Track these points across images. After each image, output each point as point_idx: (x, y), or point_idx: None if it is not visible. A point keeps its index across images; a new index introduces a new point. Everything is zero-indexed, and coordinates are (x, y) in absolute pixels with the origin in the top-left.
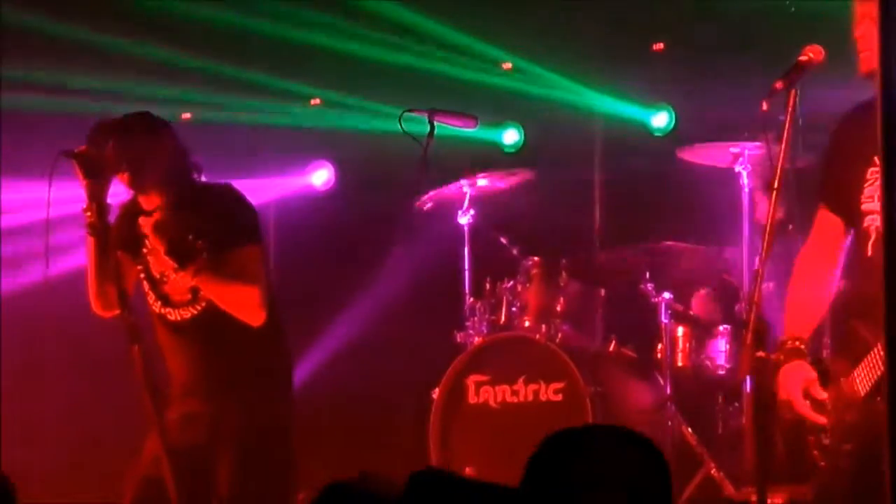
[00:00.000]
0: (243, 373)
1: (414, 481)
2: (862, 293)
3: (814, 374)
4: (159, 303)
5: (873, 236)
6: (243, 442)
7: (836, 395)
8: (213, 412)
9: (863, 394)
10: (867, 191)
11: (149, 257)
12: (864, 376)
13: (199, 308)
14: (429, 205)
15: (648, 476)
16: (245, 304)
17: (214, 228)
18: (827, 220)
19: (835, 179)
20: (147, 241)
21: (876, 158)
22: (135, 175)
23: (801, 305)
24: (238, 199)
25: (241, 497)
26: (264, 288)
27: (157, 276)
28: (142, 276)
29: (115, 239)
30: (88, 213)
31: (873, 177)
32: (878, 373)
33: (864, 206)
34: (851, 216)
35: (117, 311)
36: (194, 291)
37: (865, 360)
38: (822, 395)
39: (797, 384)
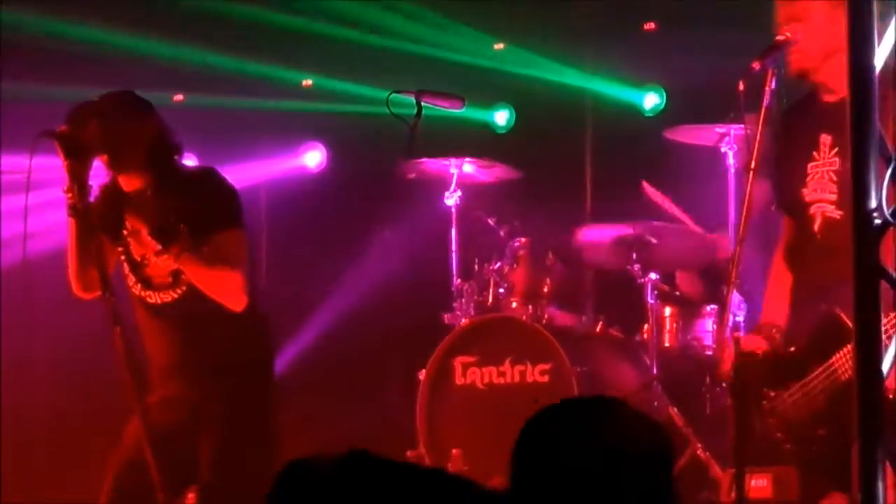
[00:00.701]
0: (224, 357)
1: (343, 463)
2: (816, 277)
3: (762, 343)
4: (139, 285)
5: (819, 220)
6: (224, 426)
7: (807, 382)
8: (193, 396)
9: (844, 379)
10: (810, 185)
11: (129, 239)
12: (848, 363)
13: (179, 291)
14: (413, 175)
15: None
16: (227, 288)
17: (196, 212)
18: (786, 222)
19: (780, 181)
20: (128, 223)
21: (815, 153)
22: (115, 156)
23: (778, 294)
24: (220, 183)
25: (222, 481)
26: (246, 272)
27: (138, 259)
28: (122, 258)
29: (95, 220)
30: (70, 195)
31: (813, 171)
32: None
33: (807, 198)
34: (796, 210)
35: (97, 293)
36: (175, 275)
37: (849, 346)
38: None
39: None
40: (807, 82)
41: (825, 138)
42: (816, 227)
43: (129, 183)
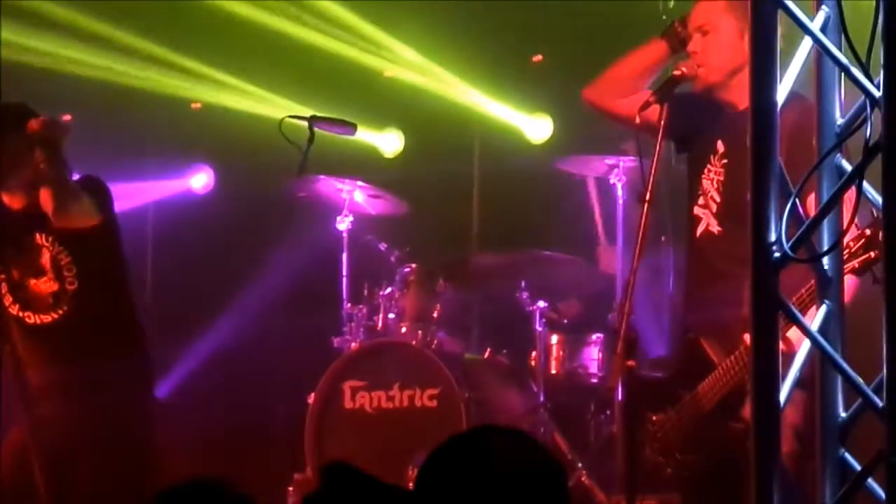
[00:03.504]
0: (102, 376)
1: (327, 474)
2: (690, 276)
3: None
4: (17, 305)
5: (703, 220)
6: (103, 444)
7: (679, 408)
8: (71, 415)
9: (708, 409)
10: (706, 178)
11: (10, 260)
12: (710, 392)
13: (59, 313)
14: (304, 194)
15: (544, 476)
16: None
17: None
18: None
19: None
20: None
21: (712, 157)
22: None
23: None
24: (94, 183)
25: (100, 498)
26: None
27: (17, 279)
28: (1, 276)
29: None
30: None
31: (708, 172)
32: (725, 390)
33: (701, 196)
34: (692, 196)
35: None
36: (56, 296)
37: (711, 376)
38: None
39: None
40: (712, 97)
41: (720, 145)
42: (698, 228)
43: (13, 200)
